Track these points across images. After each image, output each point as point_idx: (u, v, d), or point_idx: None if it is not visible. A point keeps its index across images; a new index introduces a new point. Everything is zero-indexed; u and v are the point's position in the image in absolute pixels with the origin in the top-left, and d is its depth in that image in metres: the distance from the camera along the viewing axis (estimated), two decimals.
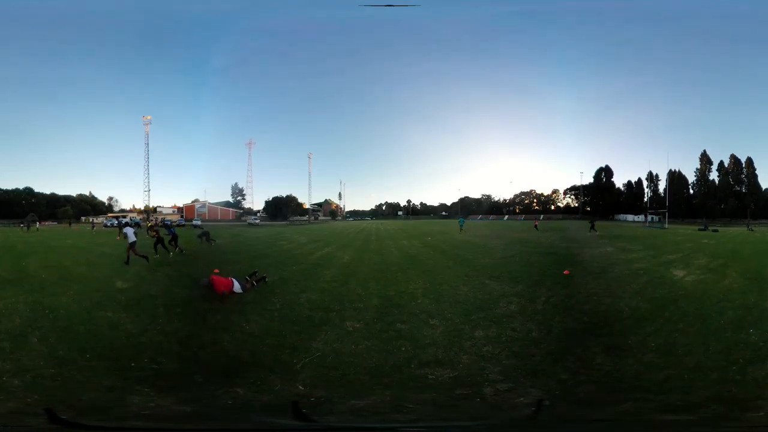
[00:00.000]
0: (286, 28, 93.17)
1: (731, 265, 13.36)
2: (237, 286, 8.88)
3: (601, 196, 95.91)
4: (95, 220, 55.69)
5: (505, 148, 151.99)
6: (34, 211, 75.97)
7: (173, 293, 9.39)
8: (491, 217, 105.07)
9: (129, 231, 14.90)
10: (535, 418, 3.51)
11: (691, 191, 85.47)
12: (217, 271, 12.31)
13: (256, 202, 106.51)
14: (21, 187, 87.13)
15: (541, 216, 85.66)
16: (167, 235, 17.42)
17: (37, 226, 48.49)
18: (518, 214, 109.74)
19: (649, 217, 67.96)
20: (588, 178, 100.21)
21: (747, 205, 75.93)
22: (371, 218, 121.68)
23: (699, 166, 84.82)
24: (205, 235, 22.24)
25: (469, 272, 11.92)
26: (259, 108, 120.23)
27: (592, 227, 32.74)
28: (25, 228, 43.34)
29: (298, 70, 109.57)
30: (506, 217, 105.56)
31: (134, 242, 14.40)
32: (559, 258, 15.88)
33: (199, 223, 68.59)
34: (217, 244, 21.98)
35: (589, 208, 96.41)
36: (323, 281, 10.59)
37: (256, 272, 10.33)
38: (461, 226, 40.68)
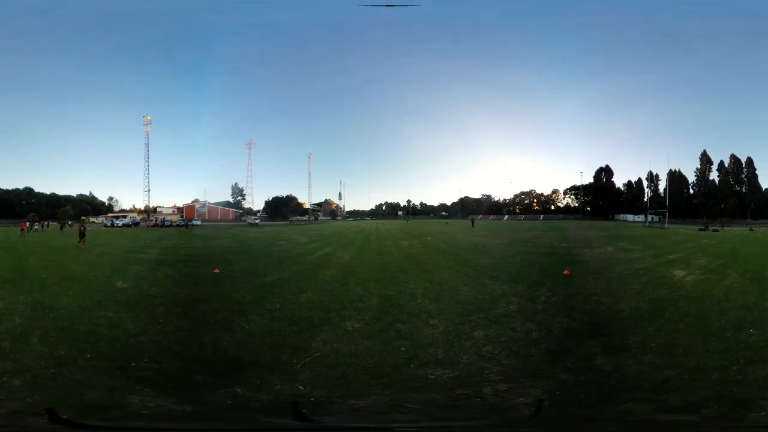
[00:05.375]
0: (286, 28, 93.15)
1: (731, 265, 13.35)
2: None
3: (601, 196, 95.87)
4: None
5: (505, 148, 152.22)
6: (34, 211, 75.99)
7: (173, 293, 9.39)
8: (491, 216, 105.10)
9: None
10: (535, 418, 3.51)
11: (691, 191, 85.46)
12: (217, 271, 12.36)
13: (256, 202, 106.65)
14: (21, 187, 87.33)
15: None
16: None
17: (36, 226, 48.51)
18: (518, 213, 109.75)
19: (650, 217, 67.94)
20: (588, 178, 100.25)
21: (747, 205, 75.90)
22: (371, 218, 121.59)
23: (699, 166, 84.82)
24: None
25: (469, 272, 11.91)
26: (259, 108, 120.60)
27: (472, 225, 43.97)
28: (65, 227, 44.52)
29: (298, 70, 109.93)
30: (506, 217, 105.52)
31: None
32: (559, 258, 15.88)
33: (198, 222, 68.79)
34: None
35: (589, 208, 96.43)
36: (323, 281, 10.59)
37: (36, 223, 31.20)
38: (407, 221, 65.41)
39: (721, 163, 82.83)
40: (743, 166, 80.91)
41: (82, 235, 22.87)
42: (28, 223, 46.45)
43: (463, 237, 29.07)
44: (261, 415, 3.93)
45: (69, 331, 6.19)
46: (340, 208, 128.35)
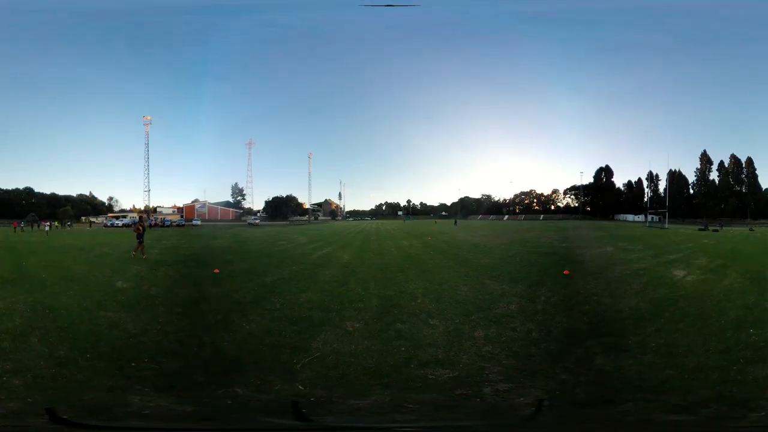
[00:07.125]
0: (286, 27, 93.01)
1: (731, 265, 13.35)
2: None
3: (601, 196, 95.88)
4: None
5: (505, 148, 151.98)
6: (34, 211, 76.02)
7: (173, 293, 9.39)
8: (491, 216, 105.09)
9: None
10: (535, 418, 3.51)
11: (691, 191, 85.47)
12: (217, 271, 12.36)
13: (256, 202, 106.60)
14: (21, 187, 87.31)
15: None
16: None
17: (46, 227, 48.34)
18: (518, 213, 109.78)
19: (650, 217, 67.96)
20: (588, 178, 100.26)
21: (747, 205, 75.90)
22: (371, 218, 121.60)
23: (699, 166, 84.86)
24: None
25: (469, 272, 11.91)
26: (259, 108, 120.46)
27: (455, 223, 47.06)
28: (66, 226, 46.63)
29: (298, 70, 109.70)
30: (506, 217, 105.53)
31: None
32: (559, 258, 15.88)
33: (198, 222, 68.87)
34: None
35: (589, 208, 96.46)
36: (323, 281, 10.58)
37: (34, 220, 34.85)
38: (405, 221, 67.38)
39: (721, 163, 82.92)
40: (743, 166, 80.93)
41: (140, 238, 16.01)
42: (23, 223, 50.69)
43: (463, 237, 29.08)
44: (261, 415, 3.93)
45: (69, 331, 6.19)
46: (340, 208, 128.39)
